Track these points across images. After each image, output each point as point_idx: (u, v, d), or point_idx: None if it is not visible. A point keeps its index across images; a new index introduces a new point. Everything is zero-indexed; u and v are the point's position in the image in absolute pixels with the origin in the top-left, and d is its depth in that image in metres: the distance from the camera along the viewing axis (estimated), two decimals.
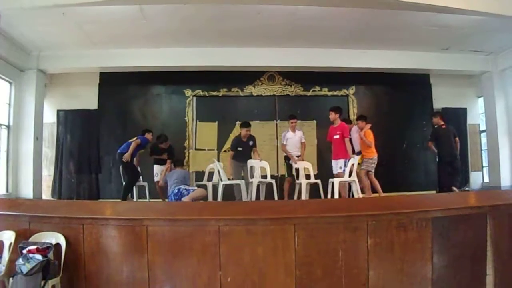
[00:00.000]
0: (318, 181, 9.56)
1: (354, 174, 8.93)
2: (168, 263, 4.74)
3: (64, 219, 5.01)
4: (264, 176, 9.56)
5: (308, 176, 9.65)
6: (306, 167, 9.81)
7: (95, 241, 4.87)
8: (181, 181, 8.95)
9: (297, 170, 9.63)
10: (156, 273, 4.72)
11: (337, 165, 9.17)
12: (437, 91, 13.06)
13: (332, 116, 9.29)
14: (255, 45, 11.16)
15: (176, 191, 8.66)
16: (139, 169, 10.21)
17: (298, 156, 10.00)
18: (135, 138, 9.85)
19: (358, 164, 9.37)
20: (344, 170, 8.90)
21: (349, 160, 8.91)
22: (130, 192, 9.87)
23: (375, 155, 9.51)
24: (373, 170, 9.51)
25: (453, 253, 4.91)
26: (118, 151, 9.78)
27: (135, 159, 9.93)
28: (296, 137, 10.14)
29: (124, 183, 9.85)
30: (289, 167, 10.08)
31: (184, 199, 8.44)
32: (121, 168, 9.97)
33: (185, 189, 8.71)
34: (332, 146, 9.45)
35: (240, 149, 9.73)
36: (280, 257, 4.62)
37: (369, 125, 9.70)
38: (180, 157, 10.41)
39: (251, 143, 9.84)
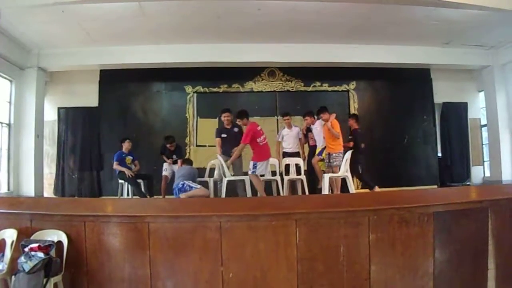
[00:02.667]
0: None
1: (348, 169, 8.76)
2: (170, 260, 4.74)
3: (66, 217, 5.00)
4: (274, 173, 9.54)
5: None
6: (297, 163, 9.70)
7: (97, 238, 4.86)
8: (188, 177, 8.98)
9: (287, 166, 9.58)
10: (158, 269, 4.73)
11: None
12: (438, 86, 13.07)
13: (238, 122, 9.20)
14: (256, 41, 11.17)
15: (180, 186, 8.69)
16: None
17: (297, 153, 9.94)
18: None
19: (322, 160, 9.11)
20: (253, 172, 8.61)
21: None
22: (139, 189, 10.10)
23: (342, 149, 8.94)
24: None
25: (455, 248, 4.90)
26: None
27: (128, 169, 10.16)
28: (292, 133, 9.98)
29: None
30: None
31: (182, 195, 8.48)
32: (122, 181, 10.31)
33: (189, 185, 8.72)
34: None
35: (224, 135, 9.39)
36: (282, 253, 4.62)
37: (334, 115, 9.00)
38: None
39: (236, 129, 9.44)
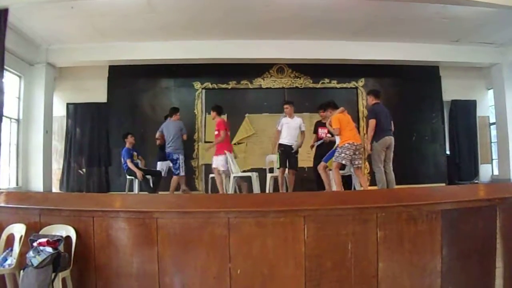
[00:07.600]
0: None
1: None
2: (178, 255, 4.76)
3: (74, 212, 5.04)
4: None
5: None
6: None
7: (105, 234, 4.89)
8: (179, 135, 9.99)
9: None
10: (165, 265, 4.75)
11: (216, 160, 9.30)
12: (447, 83, 12.98)
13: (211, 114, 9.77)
14: (264, 37, 11.13)
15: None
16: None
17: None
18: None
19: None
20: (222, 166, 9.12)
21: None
22: (148, 185, 10.18)
23: (347, 142, 7.80)
24: (343, 162, 7.83)
25: (463, 246, 4.90)
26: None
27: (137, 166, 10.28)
28: (293, 124, 9.16)
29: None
30: (282, 156, 9.02)
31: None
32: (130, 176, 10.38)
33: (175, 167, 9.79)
34: None
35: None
36: (290, 249, 4.63)
37: (337, 111, 8.20)
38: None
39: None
